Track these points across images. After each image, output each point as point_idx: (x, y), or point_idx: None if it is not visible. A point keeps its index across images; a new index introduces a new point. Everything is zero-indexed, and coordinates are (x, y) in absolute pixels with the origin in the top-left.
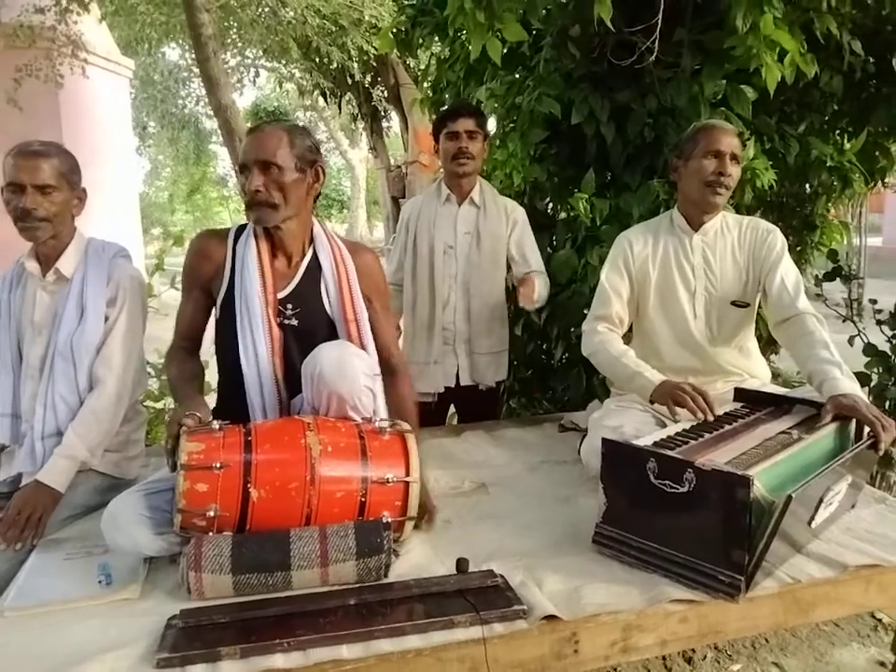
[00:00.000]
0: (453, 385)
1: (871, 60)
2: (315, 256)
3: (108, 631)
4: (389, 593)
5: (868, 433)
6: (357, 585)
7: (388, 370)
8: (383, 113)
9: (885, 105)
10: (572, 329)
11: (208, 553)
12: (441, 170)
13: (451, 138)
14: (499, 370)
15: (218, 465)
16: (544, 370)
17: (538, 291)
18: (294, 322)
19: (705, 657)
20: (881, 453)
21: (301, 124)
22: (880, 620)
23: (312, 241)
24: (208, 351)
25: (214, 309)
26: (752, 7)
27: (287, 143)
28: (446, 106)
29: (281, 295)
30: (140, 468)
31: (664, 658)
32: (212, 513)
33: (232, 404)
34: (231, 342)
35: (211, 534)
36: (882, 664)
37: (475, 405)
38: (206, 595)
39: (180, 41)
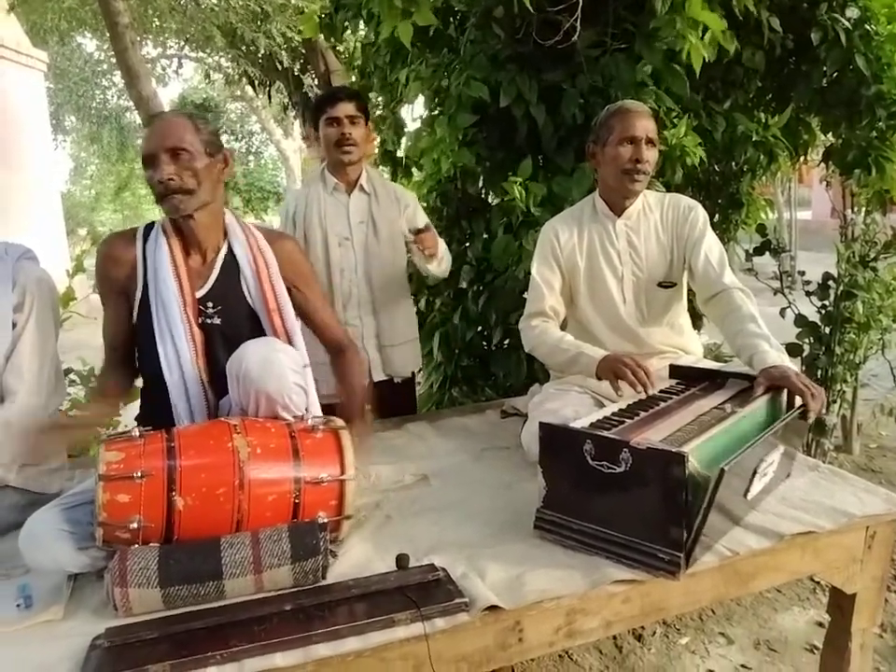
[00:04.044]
0: (366, 384)
1: (790, 36)
2: (230, 249)
3: (28, 658)
4: (327, 595)
5: (798, 402)
6: (294, 590)
7: (335, 349)
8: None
9: (805, 81)
10: (510, 314)
11: (134, 567)
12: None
13: (331, 124)
14: (414, 358)
15: (140, 474)
16: (485, 356)
17: (440, 247)
18: (217, 321)
19: (654, 633)
20: (811, 420)
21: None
22: (818, 582)
23: (226, 234)
24: None
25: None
26: None
27: (193, 128)
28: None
29: (199, 294)
30: (65, 480)
31: (614, 637)
32: (135, 525)
33: (157, 410)
34: (150, 347)
35: (136, 546)
36: (821, 624)
37: (391, 399)
38: (134, 611)
39: (96, 31)
